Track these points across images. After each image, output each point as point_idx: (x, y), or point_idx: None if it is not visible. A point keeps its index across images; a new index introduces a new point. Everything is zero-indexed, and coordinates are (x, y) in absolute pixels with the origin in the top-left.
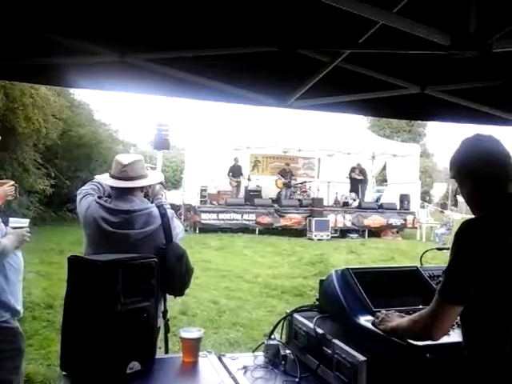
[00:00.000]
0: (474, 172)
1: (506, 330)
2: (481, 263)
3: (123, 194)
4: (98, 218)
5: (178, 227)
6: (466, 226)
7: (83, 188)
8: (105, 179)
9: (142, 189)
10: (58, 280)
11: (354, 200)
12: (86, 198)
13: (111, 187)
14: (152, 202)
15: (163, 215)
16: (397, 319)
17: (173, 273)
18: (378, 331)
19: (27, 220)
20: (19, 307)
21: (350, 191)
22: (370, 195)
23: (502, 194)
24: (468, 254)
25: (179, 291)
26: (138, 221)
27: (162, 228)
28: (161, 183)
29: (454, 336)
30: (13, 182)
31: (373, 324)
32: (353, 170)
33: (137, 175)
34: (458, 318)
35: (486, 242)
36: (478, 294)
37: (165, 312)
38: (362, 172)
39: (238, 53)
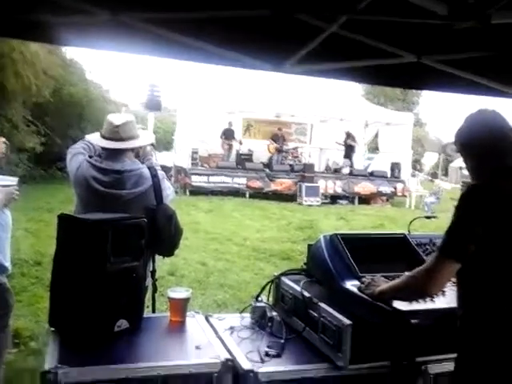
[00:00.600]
0: (478, 147)
1: (505, 289)
2: (483, 223)
3: (114, 154)
4: (89, 178)
5: (168, 188)
6: (470, 189)
7: (74, 146)
8: (96, 140)
9: (132, 149)
10: (46, 237)
11: (351, 166)
12: (77, 157)
13: (102, 148)
14: (143, 163)
15: (154, 176)
16: (383, 284)
17: (162, 233)
18: (364, 296)
19: (16, 178)
20: (7, 264)
21: (345, 157)
22: (360, 162)
23: (505, 167)
24: (471, 214)
25: (168, 252)
26: (129, 181)
27: (152, 189)
28: (152, 144)
29: (439, 302)
30: (4, 139)
31: (359, 289)
32: (348, 136)
33: (128, 136)
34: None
35: (489, 205)
36: (479, 253)
37: (153, 272)
38: (353, 139)
39: (234, 16)
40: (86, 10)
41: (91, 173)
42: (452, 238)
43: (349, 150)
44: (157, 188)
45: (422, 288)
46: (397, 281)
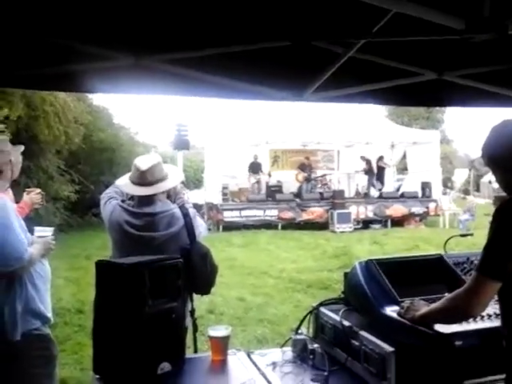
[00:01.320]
0: (505, 158)
1: None
2: None
3: (145, 197)
4: (123, 222)
5: (200, 226)
6: (505, 203)
7: (106, 192)
8: (125, 186)
9: (163, 191)
10: (86, 285)
11: (380, 189)
12: (110, 202)
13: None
14: (174, 202)
15: (186, 215)
16: (424, 307)
17: (198, 272)
18: (405, 321)
19: (52, 228)
20: (49, 314)
21: (376, 180)
22: (391, 184)
23: None
24: (507, 229)
25: (205, 290)
26: (162, 223)
27: (185, 228)
28: (182, 182)
29: (481, 322)
30: (39, 190)
31: (398, 314)
32: (380, 158)
33: (156, 179)
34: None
35: None
36: None
37: (192, 311)
38: (369, 162)
39: (253, 49)
40: (111, 56)
41: (124, 217)
42: (490, 256)
43: (380, 172)
44: (189, 227)
45: (463, 310)
46: (437, 304)
